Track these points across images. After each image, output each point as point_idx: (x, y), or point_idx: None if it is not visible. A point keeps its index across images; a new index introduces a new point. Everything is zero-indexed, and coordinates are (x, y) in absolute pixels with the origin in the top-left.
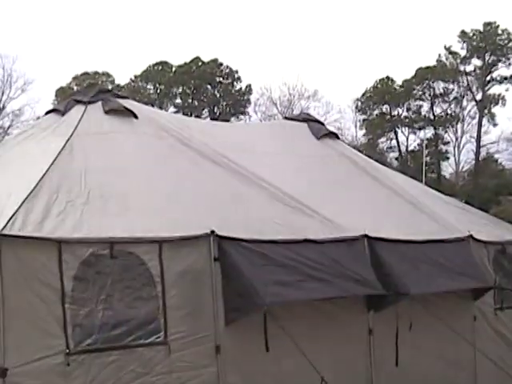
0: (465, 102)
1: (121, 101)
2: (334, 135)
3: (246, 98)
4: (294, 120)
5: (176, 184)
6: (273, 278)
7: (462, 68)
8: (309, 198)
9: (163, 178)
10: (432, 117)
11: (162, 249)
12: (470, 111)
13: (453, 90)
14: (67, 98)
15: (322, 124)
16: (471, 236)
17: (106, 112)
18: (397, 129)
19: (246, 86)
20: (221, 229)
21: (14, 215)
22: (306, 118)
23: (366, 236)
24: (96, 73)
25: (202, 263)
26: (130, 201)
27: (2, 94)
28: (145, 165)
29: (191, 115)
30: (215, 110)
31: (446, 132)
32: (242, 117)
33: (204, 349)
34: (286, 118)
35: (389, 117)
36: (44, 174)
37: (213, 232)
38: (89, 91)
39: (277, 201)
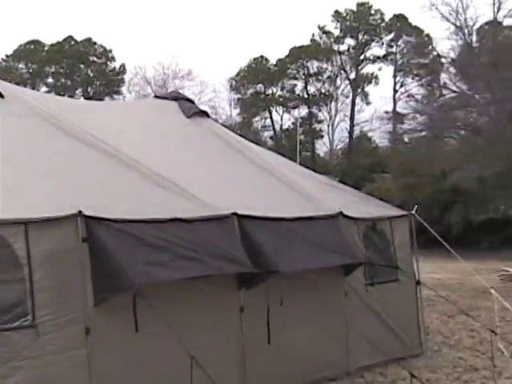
0: (338, 81)
1: None
2: (204, 114)
3: (119, 77)
4: (165, 98)
5: (43, 164)
6: (142, 258)
7: (335, 47)
8: (179, 176)
9: (30, 158)
10: (306, 96)
11: (28, 230)
12: (343, 90)
13: (326, 69)
14: None
15: (193, 102)
16: (341, 213)
17: None
18: (271, 108)
19: (120, 66)
20: (89, 209)
21: None
22: (177, 97)
23: (235, 214)
24: None
25: (70, 244)
26: None
27: None
28: (10, 144)
29: (64, 95)
30: (89, 90)
31: (319, 111)
32: (116, 96)
33: (73, 331)
34: (156, 96)
35: (263, 96)
36: None
37: (80, 212)
38: None
39: (147, 180)
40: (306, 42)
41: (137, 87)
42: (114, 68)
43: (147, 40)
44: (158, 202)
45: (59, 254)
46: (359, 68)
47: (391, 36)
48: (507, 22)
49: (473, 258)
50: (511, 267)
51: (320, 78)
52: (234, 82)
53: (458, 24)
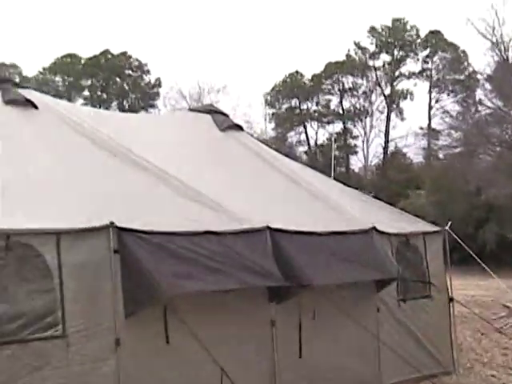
0: (373, 97)
1: (21, 91)
2: (238, 127)
3: (155, 90)
4: (199, 111)
5: (75, 175)
6: (173, 270)
7: (370, 63)
8: (211, 189)
9: (61, 169)
10: (341, 111)
11: (60, 240)
12: (378, 106)
13: (362, 84)
14: None
15: (227, 116)
16: (375, 228)
17: (6, 102)
18: (306, 123)
19: (156, 79)
20: (121, 220)
21: None
22: (211, 110)
23: (268, 227)
24: (3, 64)
25: (102, 255)
26: (27, 191)
27: None
28: (42, 155)
29: (100, 108)
30: (124, 103)
31: (354, 126)
32: (151, 110)
33: (103, 342)
34: (190, 109)
35: (298, 111)
36: None
37: (112, 223)
38: None
39: (178, 193)
40: (342, 57)
41: (172, 101)
42: (150, 81)
43: (183, 54)
44: (190, 215)
45: (90, 265)
46: (394, 84)
47: (427, 52)
48: None
49: (507, 275)
50: None
51: (355, 93)
52: (268, 97)
53: (494, 40)
